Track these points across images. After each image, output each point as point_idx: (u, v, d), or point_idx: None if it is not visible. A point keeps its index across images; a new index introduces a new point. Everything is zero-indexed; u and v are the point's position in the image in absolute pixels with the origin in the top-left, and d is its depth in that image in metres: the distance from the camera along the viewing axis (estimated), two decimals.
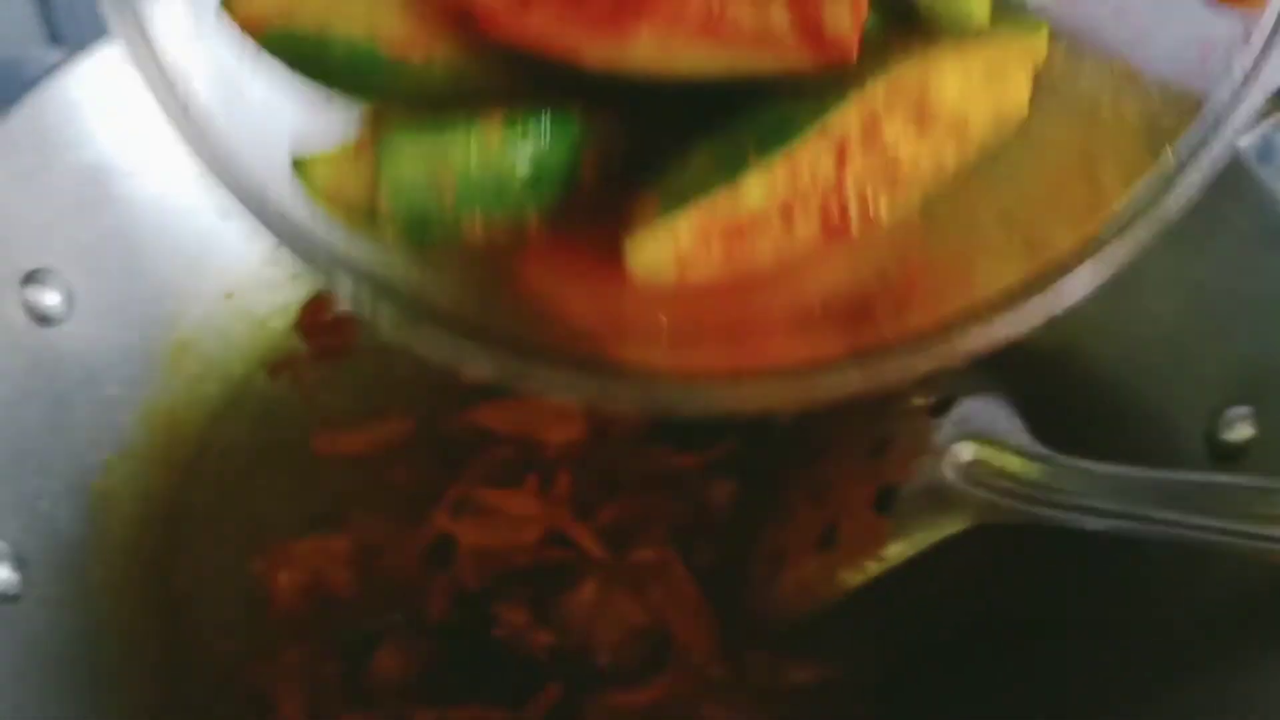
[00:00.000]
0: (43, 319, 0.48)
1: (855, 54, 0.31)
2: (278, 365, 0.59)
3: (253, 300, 0.59)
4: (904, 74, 0.32)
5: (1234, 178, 0.48)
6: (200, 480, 0.55)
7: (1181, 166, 0.31)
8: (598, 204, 0.34)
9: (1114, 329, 0.53)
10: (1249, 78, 0.30)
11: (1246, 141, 0.51)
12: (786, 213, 0.33)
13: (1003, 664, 0.50)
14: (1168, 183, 0.31)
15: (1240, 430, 0.46)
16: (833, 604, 0.49)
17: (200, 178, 0.54)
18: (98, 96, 0.51)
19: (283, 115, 0.33)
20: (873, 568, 0.47)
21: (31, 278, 0.48)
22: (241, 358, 0.58)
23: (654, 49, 0.31)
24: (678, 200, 0.32)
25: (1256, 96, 0.30)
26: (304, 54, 0.33)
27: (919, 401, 0.50)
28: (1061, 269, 0.31)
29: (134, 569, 0.49)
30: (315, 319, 0.61)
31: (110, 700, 0.44)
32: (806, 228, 0.33)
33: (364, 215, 0.33)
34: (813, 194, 0.33)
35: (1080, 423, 0.52)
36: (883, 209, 0.33)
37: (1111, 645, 0.47)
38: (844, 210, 0.33)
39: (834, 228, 0.33)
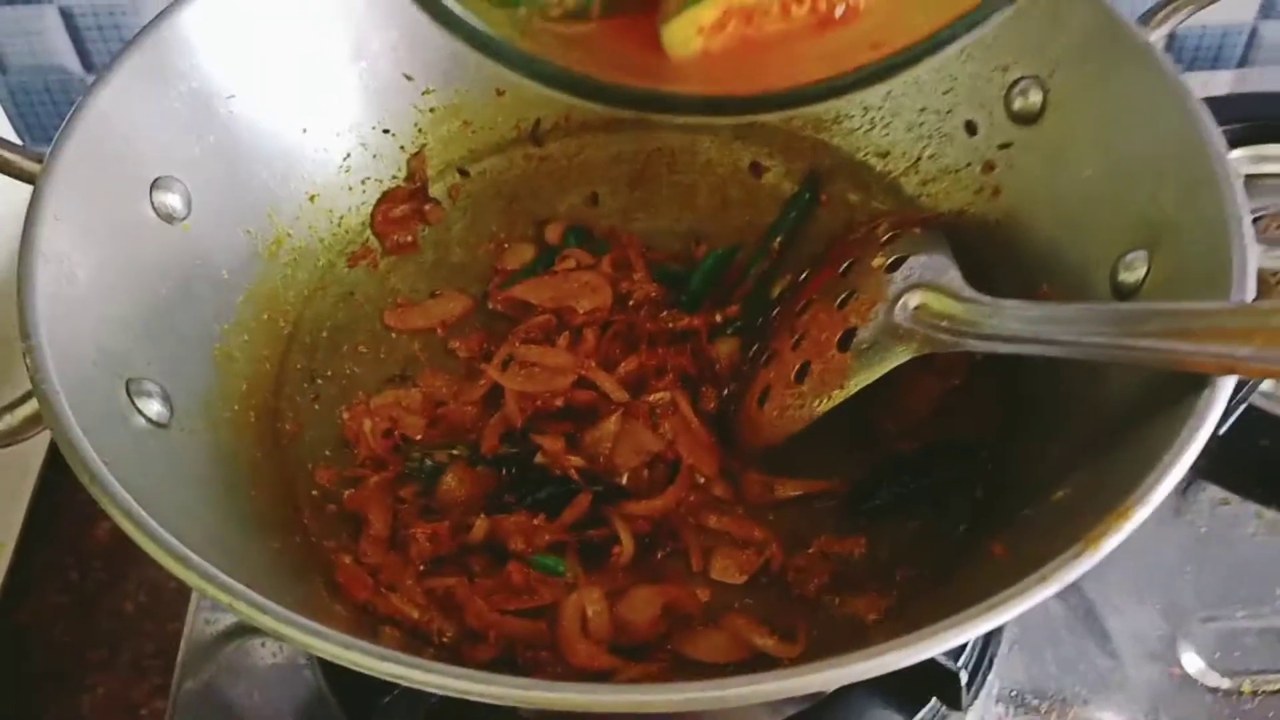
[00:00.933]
0: (168, 217, 0.60)
1: None
2: (355, 255, 0.71)
3: (332, 201, 0.70)
4: None
5: (1146, 63, 0.58)
6: (297, 347, 0.67)
7: None
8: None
9: (1043, 195, 0.63)
10: None
11: (1156, 35, 0.60)
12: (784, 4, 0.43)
13: (948, 475, 0.61)
14: None
15: (1136, 271, 0.55)
16: (808, 429, 0.60)
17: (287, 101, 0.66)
18: (202, 34, 0.62)
19: None
20: (838, 395, 0.58)
21: (157, 184, 0.60)
22: (325, 249, 0.70)
23: None
24: None
25: None
26: None
27: (878, 261, 0.60)
28: None
29: (249, 413, 0.62)
30: (386, 218, 0.72)
31: (240, 509, 0.56)
32: (800, 12, 0.44)
33: None
34: None
35: (1015, 276, 0.62)
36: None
37: (1034, 452, 0.58)
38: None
39: (822, 14, 0.44)
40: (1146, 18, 0.61)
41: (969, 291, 0.56)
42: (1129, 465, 0.46)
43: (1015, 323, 0.53)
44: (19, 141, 0.96)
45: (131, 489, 0.45)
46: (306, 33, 0.67)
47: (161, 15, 0.61)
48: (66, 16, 0.91)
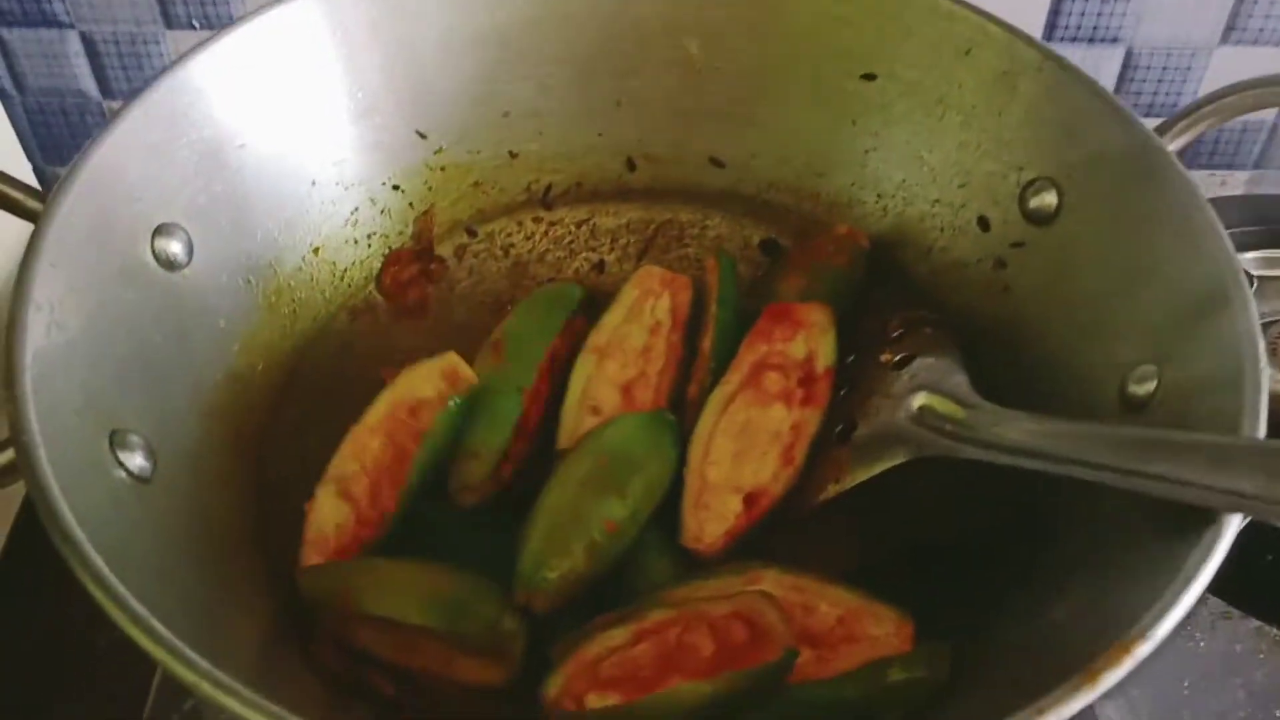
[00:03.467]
0: (169, 264, 0.59)
1: None
2: (357, 309, 0.70)
3: (335, 255, 0.69)
4: None
5: (1164, 174, 0.57)
6: (289, 400, 0.66)
7: None
8: None
9: (1054, 299, 0.62)
10: None
11: (1175, 145, 0.59)
12: None
13: (940, 574, 0.59)
14: None
15: (1146, 386, 0.54)
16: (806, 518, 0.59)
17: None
18: (216, 83, 0.61)
19: None
20: (833, 489, 0.57)
21: (160, 230, 0.58)
22: (325, 302, 0.69)
23: None
24: None
25: None
26: None
27: (885, 357, 0.60)
28: None
29: (237, 466, 0.60)
30: (395, 281, 0.71)
31: (218, 570, 0.54)
32: None
33: None
34: None
35: (1021, 378, 0.61)
36: None
37: (1029, 557, 0.56)
38: None
39: None
40: (1164, 128, 0.60)
41: (974, 398, 0.55)
42: (1129, 593, 0.45)
43: (1018, 434, 0.52)
44: (31, 162, 0.97)
45: (105, 549, 0.44)
46: (319, 86, 0.66)
47: (176, 61, 0.60)
48: (88, 42, 0.91)
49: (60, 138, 0.98)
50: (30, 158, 0.99)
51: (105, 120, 0.95)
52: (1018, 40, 0.62)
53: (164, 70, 0.60)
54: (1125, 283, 0.58)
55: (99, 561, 0.43)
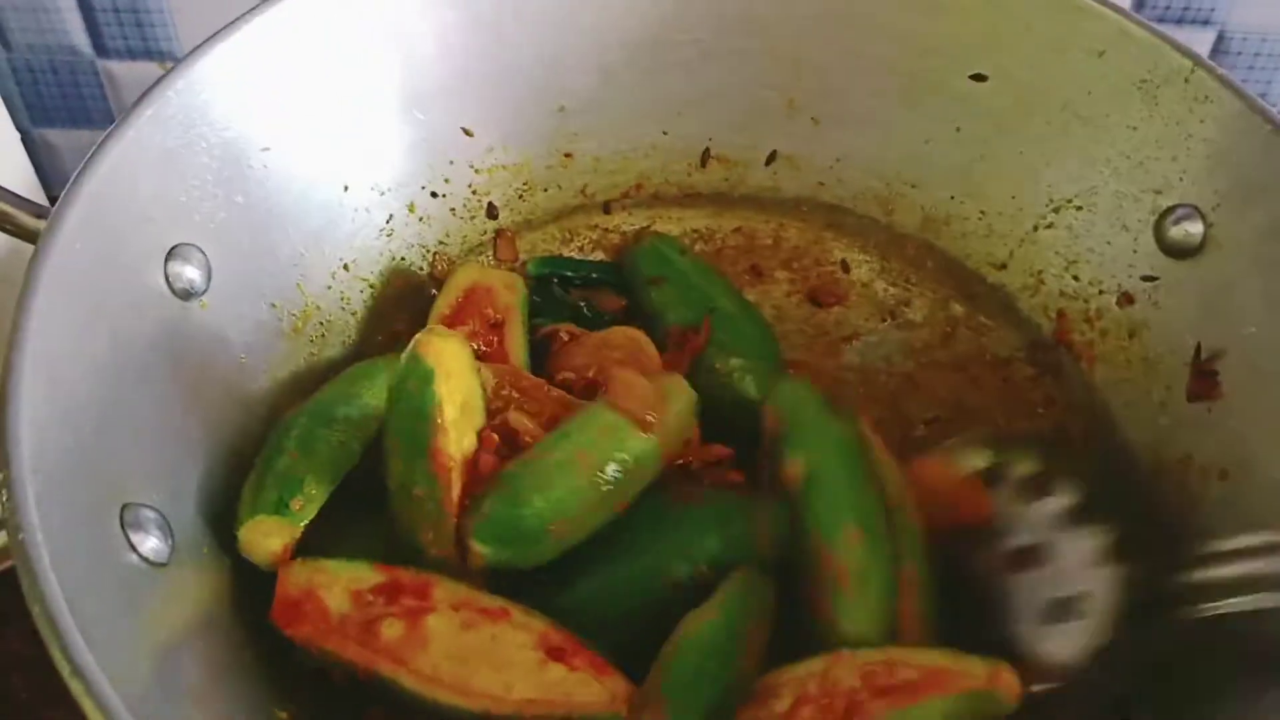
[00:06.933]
0: (184, 293, 0.51)
1: None
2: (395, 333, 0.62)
3: (368, 270, 0.61)
4: None
5: None
6: None
7: None
8: None
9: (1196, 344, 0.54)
10: None
11: None
12: None
13: None
14: None
15: None
16: None
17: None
18: (237, 77, 0.53)
19: None
20: None
21: (174, 253, 0.51)
22: (358, 323, 0.61)
23: None
24: None
25: None
26: None
27: None
28: None
29: None
30: None
31: (244, 665, 0.47)
32: None
33: None
34: None
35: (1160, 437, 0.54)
36: None
37: None
38: None
39: None
40: None
41: None
42: None
43: None
44: (16, 125, 0.89)
45: (110, 664, 0.37)
46: (358, 75, 0.58)
47: (193, 53, 0.52)
48: None
49: (50, 98, 0.90)
50: (16, 120, 0.90)
51: (99, 81, 0.87)
52: (1163, 44, 0.54)
53: (179, 63, 0.51)
54: None
55: (108, 691, 0.36)
